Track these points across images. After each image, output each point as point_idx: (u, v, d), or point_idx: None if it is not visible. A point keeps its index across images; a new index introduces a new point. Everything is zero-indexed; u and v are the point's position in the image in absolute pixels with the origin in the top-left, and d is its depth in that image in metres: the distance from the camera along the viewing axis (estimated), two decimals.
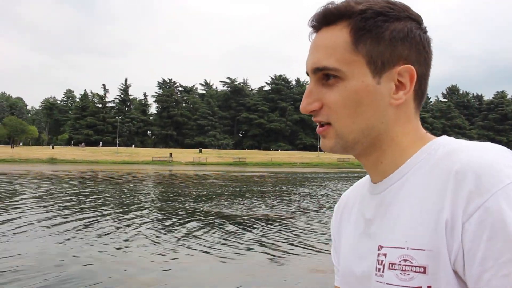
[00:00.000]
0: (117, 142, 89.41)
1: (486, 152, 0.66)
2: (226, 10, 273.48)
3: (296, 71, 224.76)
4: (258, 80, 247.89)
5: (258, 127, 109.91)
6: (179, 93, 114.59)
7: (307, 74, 0.77)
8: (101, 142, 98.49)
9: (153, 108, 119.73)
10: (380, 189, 0.78)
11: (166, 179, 32.03)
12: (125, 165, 59.28)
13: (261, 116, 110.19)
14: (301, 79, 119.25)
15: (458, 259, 0.64)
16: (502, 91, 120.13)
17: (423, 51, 0.74)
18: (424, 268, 0.66)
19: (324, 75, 0.73)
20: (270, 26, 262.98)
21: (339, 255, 0.92)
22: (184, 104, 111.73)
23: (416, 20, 0.74)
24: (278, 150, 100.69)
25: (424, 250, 0.66)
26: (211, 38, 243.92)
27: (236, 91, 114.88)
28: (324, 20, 0.74)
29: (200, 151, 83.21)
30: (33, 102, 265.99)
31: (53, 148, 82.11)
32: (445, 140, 0.74)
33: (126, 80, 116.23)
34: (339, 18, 0.73)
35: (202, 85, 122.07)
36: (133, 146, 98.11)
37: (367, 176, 0.87)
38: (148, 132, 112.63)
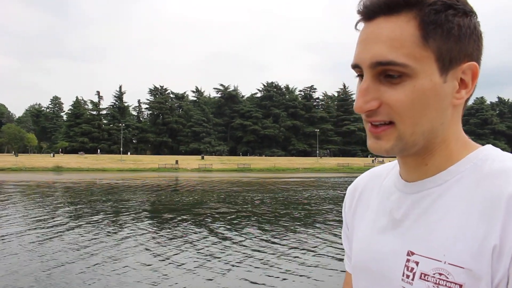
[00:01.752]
0: (121, 149, 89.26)
1: None
2: (204, 16, 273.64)
3: (275, 77, 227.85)
4: (245, 87, 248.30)
5: (252, 133, 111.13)
6: (170, 100, 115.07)
7: (356, 67, 0.70)
8: (99, 150, 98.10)
9: (142, 115, 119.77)
10: (415, 190, 0.74)
11: (203, 185, 33.01)
12: (134, 173, 59.49)
13: (255, 123, 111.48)
14: (290, 86, 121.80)
15: (501, 285, 0.61)
16: (482, 97, 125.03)
17: (482, 48, 0.70)
18: (461, 286, 0.63)
19: (384, 71, 0.66)
20: (248, 33, 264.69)
21: (351, 243, 0.90)
22: (178, 111, 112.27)
23: (476, 15, 0.69)
24: (274, 156, 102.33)
25: (463, 268, 0.63)
26: (190, 44, 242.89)
27: (229, 98, 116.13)
28: (385, 8, 0.67)
29: (202, 158, 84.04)
30: (12, 108, 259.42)
31: (54, 156, 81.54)
32: (493, 152, 0.71)
33: (120, 87, 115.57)
34: (404, 7, 0.66)
35: (193, 92, 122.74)
36: (128, 153, 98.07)
37: (388, 166, 0.86)
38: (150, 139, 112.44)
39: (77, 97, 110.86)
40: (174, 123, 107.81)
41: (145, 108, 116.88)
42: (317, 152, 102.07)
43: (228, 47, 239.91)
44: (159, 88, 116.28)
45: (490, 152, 0.71)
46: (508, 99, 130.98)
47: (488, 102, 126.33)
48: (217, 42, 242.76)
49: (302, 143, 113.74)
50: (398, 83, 0.66)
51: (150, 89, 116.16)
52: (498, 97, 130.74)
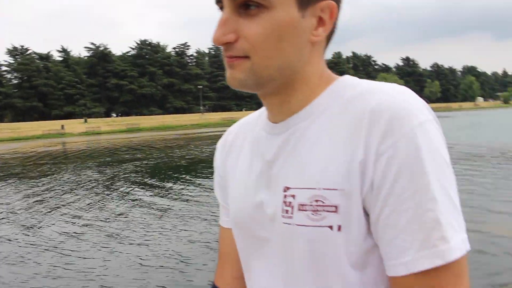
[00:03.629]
0: None
1: (400, 94, 0.67)
2: None
3: (129, 35, 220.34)
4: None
5: (129, 93, 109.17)
6: (35, 61, 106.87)
7: (217, 1, 0.70)
8: None
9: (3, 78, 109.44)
10: (282, 129, 0.76)
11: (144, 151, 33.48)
12: (18, 142, 56.54)
13: (131, 82, 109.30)
14: (161, 43, 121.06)
15: (367, 197, 0.66)
16: (339, 52, 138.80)
17: None
18: (336, 207, 0.67)
19: (244, 3, 0.67)
20: None
21: (226, 193, 0.90)
22: (46, 73, 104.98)
23: None
24: (152, 115, 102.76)
25: (336, 189, 0.67)
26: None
27: (102, 57, 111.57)
28: None
29: (86, 121, 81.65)
30: None
31: None
32: (352, 80, 0.74)
33: None
34: None
35: (59, 51, 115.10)
36: None
37: (256, 114, 0.88)
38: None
39: None
40: (44, 86, 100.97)
41: (4, 71, 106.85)
42: (200, 108, 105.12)
43: (72, 2, 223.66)
44: (20, 48, 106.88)
45: (348, 80, 0.74)
46: (361, 54, 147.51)
47: (344, 56, 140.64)
48: None
49: (179, 101, 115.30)
50: (256, 15, 0.67)
51: (8, 49, 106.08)
52: (352, 52, 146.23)
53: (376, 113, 0.65)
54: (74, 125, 75.27)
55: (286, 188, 0.72)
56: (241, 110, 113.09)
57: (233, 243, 0.89)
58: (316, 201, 0.68)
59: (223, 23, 0.68)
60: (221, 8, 0.70)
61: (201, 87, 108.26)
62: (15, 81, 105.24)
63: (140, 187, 13.15)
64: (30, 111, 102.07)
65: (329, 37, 0.74)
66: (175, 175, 15.36)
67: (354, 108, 0.68)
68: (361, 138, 0.66)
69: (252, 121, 0.88)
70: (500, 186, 10.24)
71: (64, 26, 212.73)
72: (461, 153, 16.34)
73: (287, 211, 0.71)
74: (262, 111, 0.84)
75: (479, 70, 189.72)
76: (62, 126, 70.92)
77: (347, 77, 0.75)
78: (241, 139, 0.87)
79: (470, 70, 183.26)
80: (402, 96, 0.67)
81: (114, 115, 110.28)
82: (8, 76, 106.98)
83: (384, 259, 0.66)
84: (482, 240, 6.15)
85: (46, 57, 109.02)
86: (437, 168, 0.64)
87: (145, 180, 14.75)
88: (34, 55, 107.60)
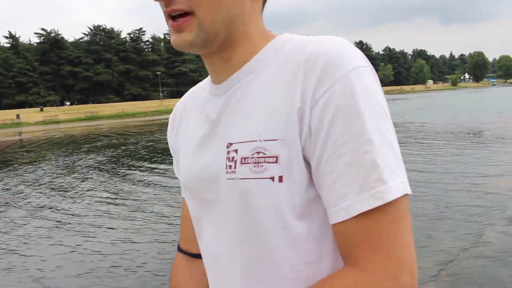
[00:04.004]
0: None
1: (335, 42, 0.68)
2: None
3: (72, 24, 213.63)
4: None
5: (85, 80, 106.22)
6: None
7: None
8: None
9: None
10: (225, 89, 0.76)
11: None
12: None
13: (87, 69, 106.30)
14: (116, 28, 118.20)
15: (306, 144, 0.66)
16: None
17: None
18: (276, 157, 0.67)
19: None
20: None
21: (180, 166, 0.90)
22: None
23: None
24: (109, 103, 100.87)
25: (276, 140, 0.67)
26: None
27: (54, 44, 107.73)
28: None
29: (42, 110, 79.18)
30: None
31: None
32: (291, 36, 0.75)
33: None
34: None
35: (6, 37, 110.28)
36: None
37: (203, 82, 0.88)
38: None
39: None
40: None
41: None
42: (160, 95, 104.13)
43: None
44: None
45: (288, 37, 0.75)
46: None
47: (261, 14, 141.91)
48: None
49: (137, 88, 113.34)
50: None
51: None
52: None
53: (312, 60, 0.66)
54: (30, 114, 73.08)
55: (229, 144, 0.72)
56: None
57: (188, 210, 0.91)
58: (258, 153, 0.68)
59: None
60: None
61: (159, 73, 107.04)
62: None
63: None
64: None
65: None
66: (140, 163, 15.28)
67: (292, 59, 0.69)
68: (298, 85, 0.66)
69: (198, 89, 0.89)
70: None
71: (8, 10, 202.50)
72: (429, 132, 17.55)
73: (230, 167, 0.71)
74: (207, 78, 0.85)
75: (428, 53, 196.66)
76: (18, 116, 68.72)
77: (286, 34, 0.76)
78: (190, 108, 0.88)
79: (420, 54, 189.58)
80: (338, 44, 0.67)
81: (68, 103, 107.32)
82: None
83: (326, 206, 0.66)
84: None
85: None
86: (373, 112, 0.64)
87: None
88: None
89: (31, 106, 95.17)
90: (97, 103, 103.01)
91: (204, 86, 0.86)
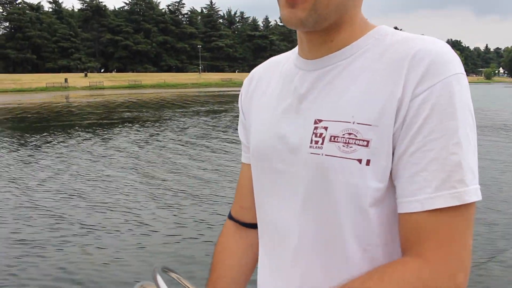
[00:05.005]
0: None
1: (442, 45, 0.69)
2: None
3: None
4: None
5: (124, 49, 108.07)
6: (27, 11, 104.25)
7: None
8: None
9: None
10: (318, 66, 0.77)
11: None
12: (23, 94, 56.56)
13: (126, 38, 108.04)
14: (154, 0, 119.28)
15: (396, 133, 0.68)
16: None
17: None
18: (368, 142, 0.68)
19: None
20: None
21: (248, 131, 0.91)
22: (39, 25, 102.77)
23: None
24: (146, 72, 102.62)
25: (370, 125, 0.68)
26: None
27: (96, 11, 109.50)
28: None
29: (86, 75, 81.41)
30: None
31: None
32: (391, 29, 0.76)
33: None
34: None
35: (50, 3, 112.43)
36: None
37: (287, 54, 0.89)
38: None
39: None
40: (37, 37, 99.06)
41: None
42: (199, 68, 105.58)
43: None
44: None
45: (388, 29, 0.76)
46: None
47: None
48: None
49: (173, 59, 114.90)
50: None
51: None
52: None
53: (418, 56, 0.67)
54: (76, 79, 75.20)
55: (318, 121, 0.73)
56: (234, 72, 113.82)
57: (248, 177, 0.93)
58: (349, 134, 0.69)
59: None
60: None
61: (199, 46, 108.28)
62: (5, 31, 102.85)
63: None
64: (23, 63, 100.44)
65: None
66: None
67: (396, 51, 0.70)
68: (401, 77, 0.68)
69: (282, 59, 0.89)
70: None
71: None
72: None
73: (316, 142, 0.72)
74: (293, 51, 0.87)
75: (463, 44, 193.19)
76: (66, 80, 70.96)
77: (386, 26, 0.77)
78: (269, 76, 0.88)
79: (454, 45, 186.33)
80: (443, 47, 0.69)
81: (102, 70, 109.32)
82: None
83: (399, 196, 0.68)
84: None
85: (37, 8, 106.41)
86: (465, 117, 0.66)
87: None
88: (24, 5, 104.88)
89: (71, 71, 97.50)
90: (135, 71, 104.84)
91: (288, 57, 0.86)
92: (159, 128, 17.09)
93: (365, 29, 0.76)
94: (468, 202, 0.64)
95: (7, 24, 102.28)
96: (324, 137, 0.71)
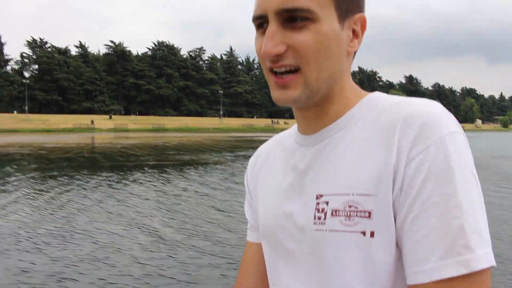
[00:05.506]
0: (26, 108, 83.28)
1: (432, 105, 0.69)
2: None
3: (122, 33, 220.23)
4: (91, 42, 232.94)
5: (147, 93, 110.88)
6: (56, 55, 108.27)
7: (258, 18, 0.72)
8: None
9: (26, 69, 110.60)
10: (315, 140, 0.77)
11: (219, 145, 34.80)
12: (52, 134, 58.30)
13: (149, 82, 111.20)
14: (177, 45, 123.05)
15: (396, 201, 0.66)
16: None
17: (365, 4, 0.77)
18: (369, 212, 0.66)
19: (288, 17, 0.69)
20: None
21: (256, 211, 0.90)
22: (66, 68, 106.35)
23: None
24: (167, 116, 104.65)
25: (370, 195, 0.67)
26: None
27: (121, 56, 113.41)
28: None
29: (110, 118, 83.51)
30: None
31: None
32: (383, 95, 0.77)
33: (0, 37, 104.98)
34: None
35: (76, 47, 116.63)
36: (14, 112, 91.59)
37: (288, 131, 0.90)
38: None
39: None
40: (64, 80, 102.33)
41: (18, 62, 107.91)
42: (220, 113, 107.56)
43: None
44: (39, 40, 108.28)
45: (381, 95, 0.77)
46: (367, 69, 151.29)
47: (351, 71, 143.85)
48: None
49: (194, 104, 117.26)
50: (303, 27, 0.69)
51: (28, 41, 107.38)
52: (359, 67, 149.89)
53: (409, 120, 0.67)
54: (101, 121, 77.08)
55: (319, 196, 0.73)
56: (252, 117, 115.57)
57: (252, 257, 0.93)
58: (350, 206, 0.68)
59: (272, 36, 0.69)
60: (260, 24, 0.73)
61: (221, 91, 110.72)
62: (34, 74, 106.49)
63: None
64: (50, 104, 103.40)
65: (355, 51, 0.77)
66: None
67: (388, 116, 0.70)
68: (394, 142, 0.67)
69: (284, 137, 0.90)
70: None
71: (78, 23, 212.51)
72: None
73: (319, 218, 0.71)
74: (294, 127, 0.87)
75: (477, 92, 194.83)
76: (92, 121, 72.82)
77: (378, 93, 0.78)
78: (273, 156, 0.89)
79: (469, 92, 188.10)
80: (435, 107, 0.69)
81: (123, 112, 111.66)
82: (32, 68, 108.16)
83: (405, 266, 0.65)
84: None
85: (64, 52, 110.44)
86: (465, 178, 0.64)
87: None
88: (53, 49, 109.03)
89: (95, 113, 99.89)
90: (156, 115, 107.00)
91: (289, 135, 0.87)
92: (225, 170, 17.52)
93: (357, 97, 0.77)
94: (476, 270, 0.60)
95: (36, 66, 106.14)
96: (326, 212, 0.71)
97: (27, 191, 12.37)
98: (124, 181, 14.64)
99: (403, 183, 0.65)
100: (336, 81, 0.74)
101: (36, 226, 8.28)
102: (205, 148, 31.68)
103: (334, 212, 0.69)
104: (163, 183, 14.14)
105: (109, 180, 14.62)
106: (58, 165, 19.84)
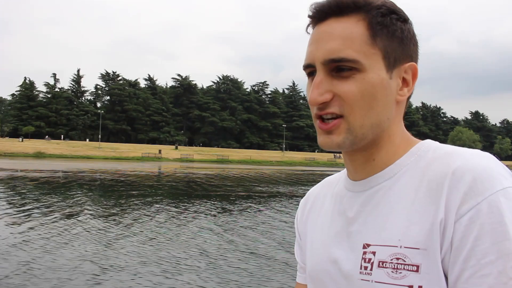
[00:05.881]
0: (100, 136, 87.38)
1: (482, 158, 0.67)
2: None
3: (184, 68, 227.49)
4: (159, 76, 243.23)
5: (210, 125, 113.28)
6: (126, 87, 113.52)
7: (308, 67, 0.74)
8: (62, 136, 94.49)
9: (99, 100, 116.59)
10: (364, 187, 0.77)
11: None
12: (122, 162, 60.01)
13: (213, 115, 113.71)
14: (240, 79, 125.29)
15: (446, 258, 0.64)
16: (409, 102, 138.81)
17: (418, 53, 0.77)
18: (417, 266, 0.65)
19: (336, 67, 0.71)
20: (154, 20, 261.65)
21: (304, 253, 0.90)
22: (135, 99, 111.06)
23: (412, 23, 0.76)
24: (229, 148, 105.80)
25: (418, 249, 0.66)
26: (94, 28, 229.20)
27: (187, 89, 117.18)
28: (336, 10, 0.72)
29: (176, 148, 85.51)
30: None
31: (22, 141, 78.12)
32: (434, 144, 0.76)
33: (78, 71, 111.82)
34: (353, 10, 0.72)
35: (145, 79, 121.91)
36: (87, 140, 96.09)
37: (339, 174, 0.89)
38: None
39: (25, 78, 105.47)
40: (133, 111, 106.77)
41: (93, 93, 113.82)
42: (283, 146, 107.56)
43: (133, 34, 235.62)
44: (112, 73, 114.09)
45: (430, 144, 0.76)
46: (430, 105, 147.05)
47: (414, 106, 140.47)
48: (123, 29, 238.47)
49: (255, 137, 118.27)
50: (349, 77, 0.70)
51: (102, 74, 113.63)
52: (422, 102, 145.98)
53: (459, 174, 0.65)
54: (168, 151, 78.95)
55: (367, 245, 0.72)
56: (313, 151, 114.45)
57: None
58: (397, 259, 0.67)
59: (318, 84, 0.71)
60: (310, 73, 0.75)
61: (284, 125, 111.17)
62: (105, 104, 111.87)
63: None
64: (118, 133, 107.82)
65: (408, 98, 0.77)
66: None
67: (436, 169, 0.69)
68: (442, 197, 0.66)
69: (334, 180, 0.90)
70: None
71: (146, 60, 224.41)
72: None
73: (365, 268, 0.71)
74: (344, 171, 0.86)
75: None
76: (160, 151, 74.76)
77: (429, 141, 0.77)
78: (322, 198, 0.89)
79: None
80: (486, 160, 0.67)
81: (184, 144, 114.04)
82: (104, 99, 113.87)
83: None
84: None
85: (134, 84, 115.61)
86: None
87: None
88: (124, 81, 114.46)
89: (161, 143, 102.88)
90: (219, 147, 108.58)
91: (339, 179, 0.87)
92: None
93: (407, 145, 0.76)
94: None
95: (108, 97, 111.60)
96: (373, 262, 0.70)
97: (164, 216, 12.64)
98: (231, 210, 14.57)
99: (453, 239, 0.63)
100: (384, 129, 0.74)
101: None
102: (283, 181, 31.22)
103: (381, 263, 0.69)
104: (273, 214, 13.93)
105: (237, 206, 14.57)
106: (156, 192, 20.09)
